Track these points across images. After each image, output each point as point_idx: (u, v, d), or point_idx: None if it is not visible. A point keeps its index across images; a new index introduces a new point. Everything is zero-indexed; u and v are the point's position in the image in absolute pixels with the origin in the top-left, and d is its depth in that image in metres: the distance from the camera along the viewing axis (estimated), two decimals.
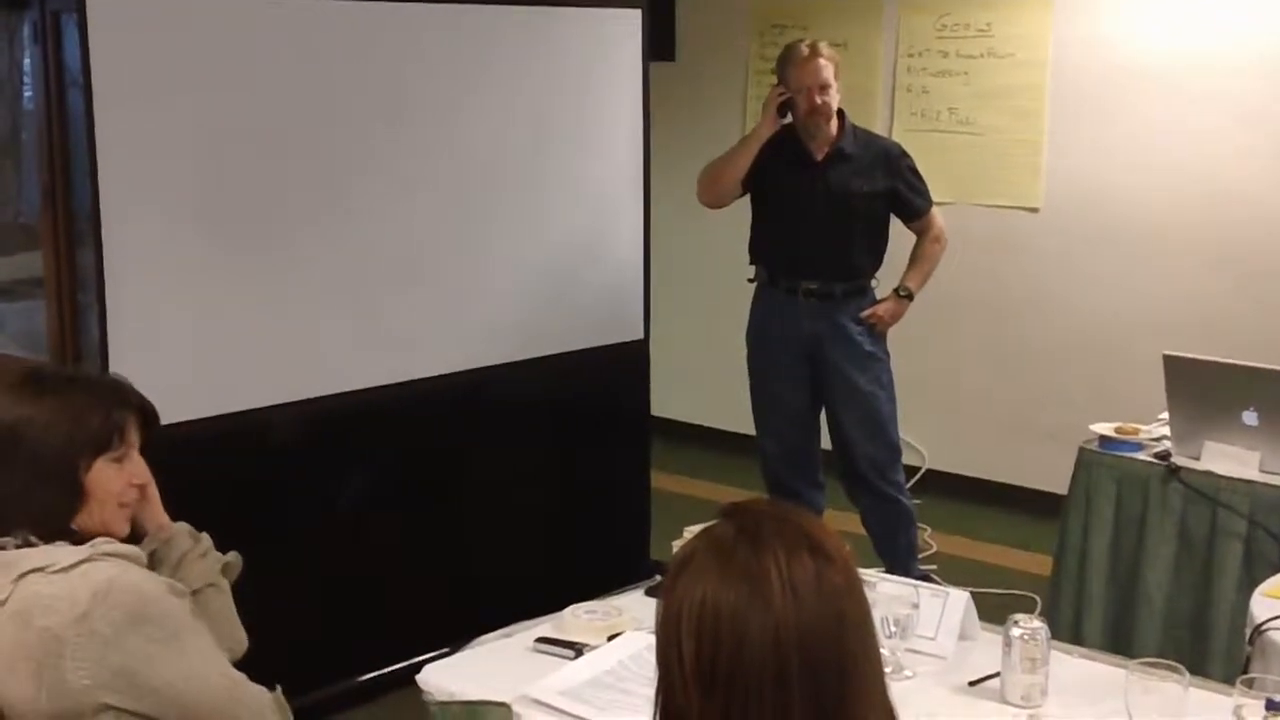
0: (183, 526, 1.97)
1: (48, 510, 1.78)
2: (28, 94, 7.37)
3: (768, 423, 4.29)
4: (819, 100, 4.02)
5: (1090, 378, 5.09)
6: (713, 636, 1.29)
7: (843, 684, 1.30)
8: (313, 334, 3.53)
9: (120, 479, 1.83)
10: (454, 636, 2.63)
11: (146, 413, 1.88)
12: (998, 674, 2.18)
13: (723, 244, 4.78)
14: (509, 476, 4.01)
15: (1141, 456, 3.45)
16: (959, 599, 2.39)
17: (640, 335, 4.34)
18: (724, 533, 1.35)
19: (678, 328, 5.52)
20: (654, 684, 1.35)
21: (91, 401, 1.82)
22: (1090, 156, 5.07)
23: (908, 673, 2.25)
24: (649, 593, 2.55)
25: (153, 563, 1.88)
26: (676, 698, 1.31)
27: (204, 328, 3.32)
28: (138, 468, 1.87)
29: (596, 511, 4.25)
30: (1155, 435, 3.53)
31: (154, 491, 1.93)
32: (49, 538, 1.77)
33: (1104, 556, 3.47)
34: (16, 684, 1.74)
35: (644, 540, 4.35)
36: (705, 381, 5.87)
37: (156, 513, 1.94)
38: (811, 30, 5.36)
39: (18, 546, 1.76)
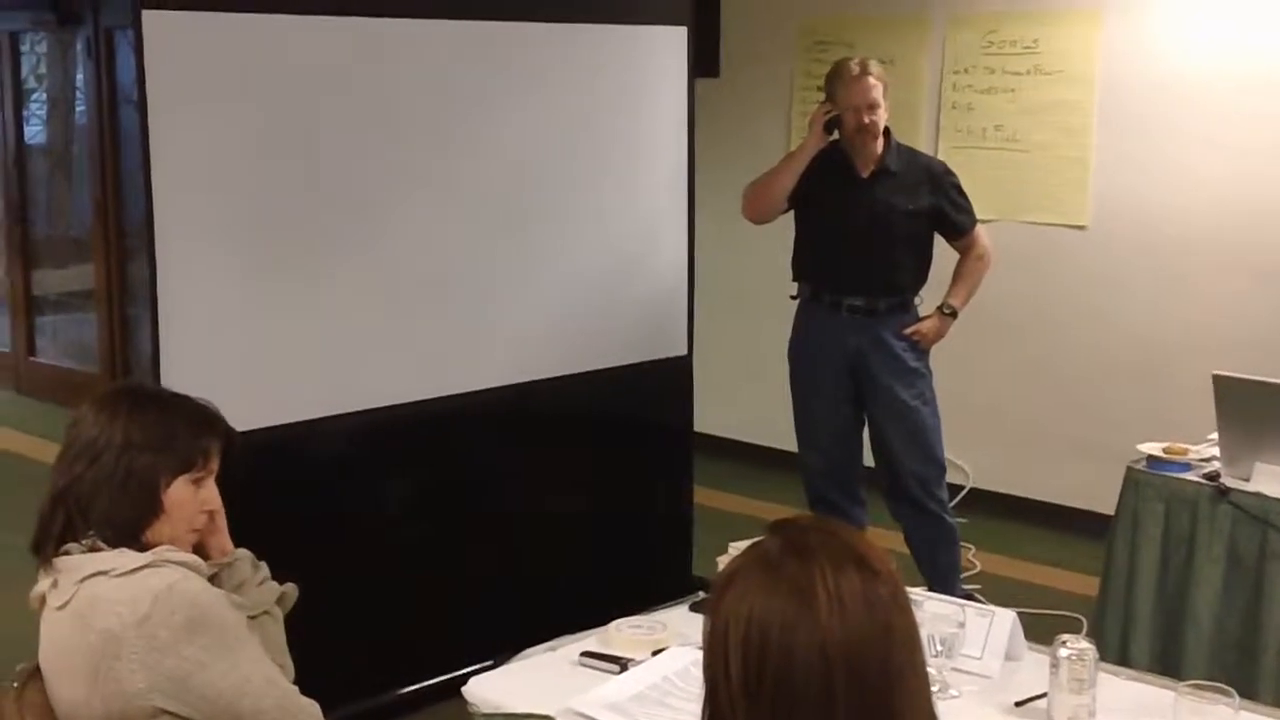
0: (245, 554, 2.02)
1: (123, 517, 1.84)
2: (80, 109, 7.50)
3: (810, 438, 4.28)
4: (867, 119, 4.01)
5: (1138, 397, 5.05)
6: (759, 650, 1.29)
7: (889, 698, 1.30)
8: (359, 348, 3.55)
9: (194, 502, 1.90)
10: (496, 649, 2.64)
11: (231, 442, 1.94)
12: (1044, 695, 2.16)
13: (765, 260, 4.78)
14: (553, 491, 4.02)
15: (1190, 477, 3.42)
16: (1005, 618, 2.37)
17: (684, 351, 4.35)
18: (770, 547, 1.36)
19: (720, 343, 5.52)
20: (699, 699, 1.36)
21: (185, 422, 1.90)
22: (1138, 173, 5.04)
23: (953, 692, 2.23)
24: (694, 608, 2.55)
25: (213, 585, 1.92)
26: (723, 711, 1.32)
27: (252, 341, 3.35)
28: (211, 494, 1.93)
29: (640, 527, 4.25)
30: (1204, 456, 3.49)
31: (222, 520, 1.98)
32: (116, 543, 1.82)
33: (1152, 578, 3.43)
34: (70, 685, 1.78)
35: (687, 556, 4.35)
36: (747, 397, 5.86)
37: (222, 539, 2.00)
38: (857, 47, 5.36)
39: (83, 551, 1.81)
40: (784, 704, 1.29)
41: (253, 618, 1.92)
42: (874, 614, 1.31)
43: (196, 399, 1.95)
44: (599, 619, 2.50)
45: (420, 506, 3.73)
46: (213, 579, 1.91)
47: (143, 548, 1.83)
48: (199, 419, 1.92)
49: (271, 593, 2.01)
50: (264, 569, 2.03)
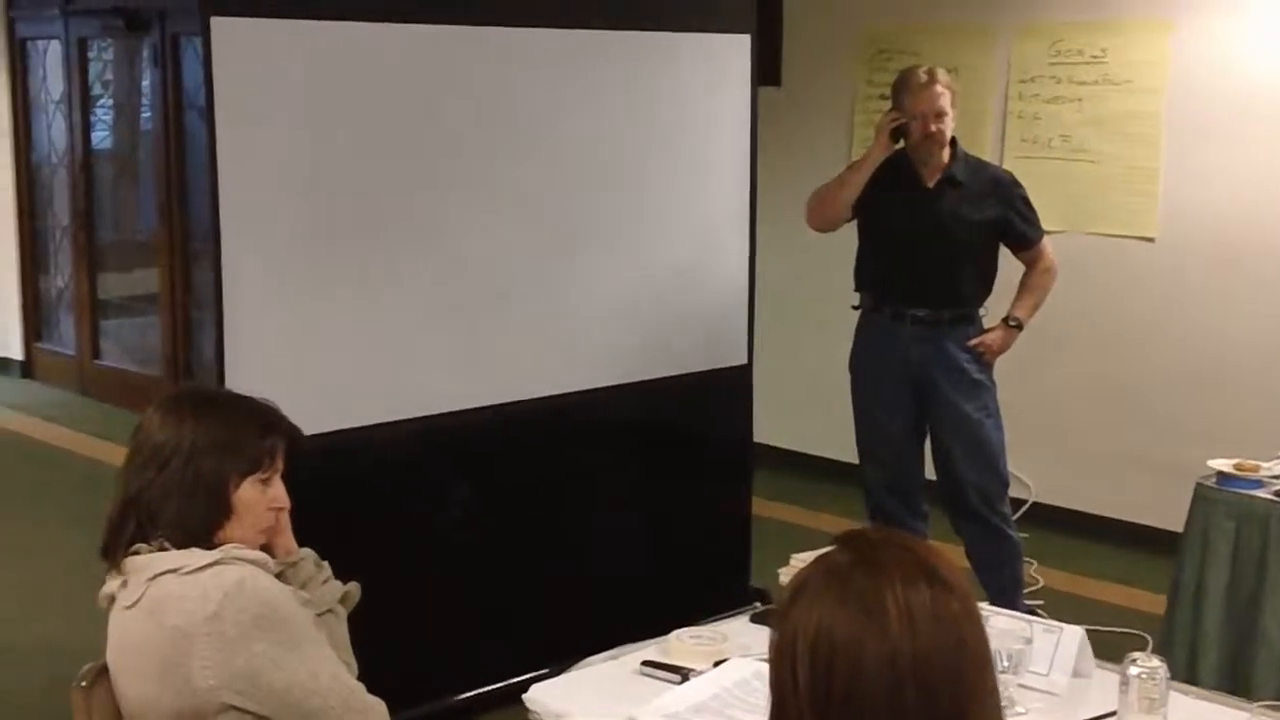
0: (309, 553, 2.03)
1: (194, 520, 1.85)
2: (145, 115, 7.61)
3: (871, 450, 4.25)
4: (934, 128, 3.98)
5: (1206, 411, 4.96)
6: (827, 663, 1.28)
7: (959, 714, 1.28)
8: (421, 354, 3.57)
9: (264, 501, 1.90)
10: (556, 657, 2.63)
11: (295, 440, 1.95)
12: (1113, 713, 2.12)
13: (827, 269, 4.75)
14: (612, 499, 4.01)
15: (1261, 494, 3.36)
16: (1073, 635, 2.33)
17: (744, 360, 4.32)
18: (840, 559, 1.34)
19: (781, 353, 5.49)
20: (759, 711, 1.35)
21: (249, 423, 1.90)
22: (1209, 185, 4.96)
23: (1020, 709, 2.20)
24: (754, 619, 2.53)
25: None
26: None
27: (315, 345, 3.37)
28: (279, 492, 1.94)
29: (698, 537, 4.23)
30: (1276, 472, 3.43)
31: (287, 518, 1.98)
32: (186, 545, 1.83)
33: (1220, 596, 3.38)
34: (140, 683, 1.79)
35: (746, 567, 4.32)
36: (807, 408, 5.83)
37: (286, 538, 2.01)
38: (922, 56, 5.31)
39: (152, 551, 1.82)
40: (852, 717, 1.27)
41: (319, 615, 1.93)
42: (945, 628, 1.29)
43: (258, 399, 1.96)
44: (657, 629, 2.49)
45: (479, 512, 3.73)
46: (278, 578, 1.92)
47: (212, 548, 1.84)
48: (263, 419, 1.93)
49: (335, 591, 2.02)
50: (326, 568, 2.04)
